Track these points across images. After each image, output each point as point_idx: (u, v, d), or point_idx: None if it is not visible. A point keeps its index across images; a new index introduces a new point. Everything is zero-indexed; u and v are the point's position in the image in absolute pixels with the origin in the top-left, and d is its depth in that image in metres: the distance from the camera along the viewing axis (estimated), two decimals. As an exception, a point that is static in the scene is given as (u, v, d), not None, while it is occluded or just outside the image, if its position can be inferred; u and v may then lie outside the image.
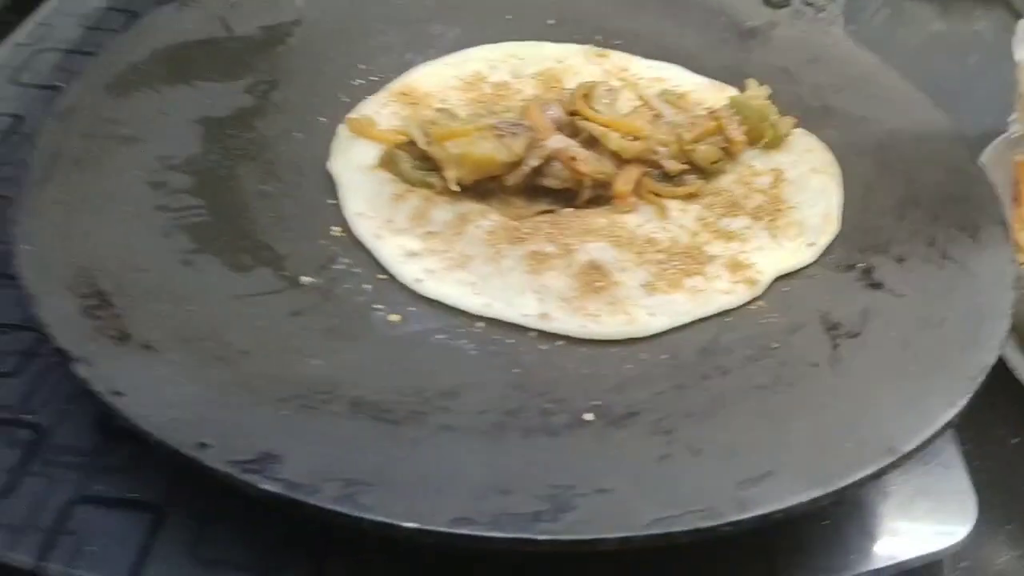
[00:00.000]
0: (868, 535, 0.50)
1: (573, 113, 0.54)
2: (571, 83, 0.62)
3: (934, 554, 0.50)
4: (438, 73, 0.62)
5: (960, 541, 0.51)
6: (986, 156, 0.72)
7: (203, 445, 0.38)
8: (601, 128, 0.53)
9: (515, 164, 0.51)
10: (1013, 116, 0.83)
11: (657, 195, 0.54)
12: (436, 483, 0.38)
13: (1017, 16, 1.12)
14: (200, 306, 0.45)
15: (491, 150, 0.51)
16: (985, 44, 1.07)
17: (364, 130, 0.55)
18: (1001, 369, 0.65)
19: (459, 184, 0.51)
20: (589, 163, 0.51)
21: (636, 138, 0.54)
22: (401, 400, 0.42)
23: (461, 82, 0.62)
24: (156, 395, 0.40)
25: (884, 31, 1.15)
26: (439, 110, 0.57)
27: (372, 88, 0.62)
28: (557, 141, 0.51)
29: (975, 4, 1.17)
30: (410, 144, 0.53)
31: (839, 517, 0.50)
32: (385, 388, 0.42)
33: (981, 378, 0.45)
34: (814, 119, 0.63)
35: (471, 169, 0.51)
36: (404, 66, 0.64)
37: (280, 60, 0.63)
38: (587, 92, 0.55)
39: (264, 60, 0.62)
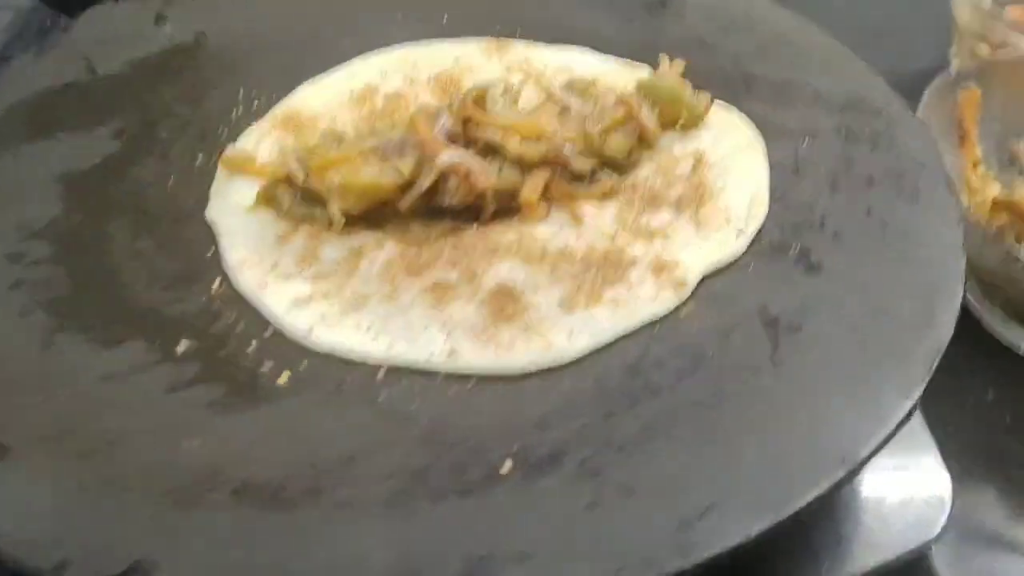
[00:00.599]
0: (841, 539, 0.47)
1: (467, 120, 0.49)
2: (470, 83, 0.57)
3: (912, 552, 0.46)
4: (325, 91, 0.57)
5: (938, 533, 0.47)
6: (928, 96, 0.68)
7: (63, 565, 0.33)
8: (498, 133, 0.48)
9: (406, 186, 0.46)
10: (952, 49, 0.80)
11: (570, 198, 0.50)
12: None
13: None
14: (63, 394, 0.40)
15: (375, 175, 0.46)
16: None
17: (240, 167, 0.50)
18: (973, 322, 0.62)
19: (346, 216, 0.46)
20: (487, 175, 0.47)
21: (539, 138, 0.49)
22: (292, 478, 0.37)
23: (350, 97, 0.57)
24: (10, 507, 0.35)
25: None
26: (326, 133, 0.52)
27: (253, 117, 0.56)
28: (449, 156, 0.46)
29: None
30: (290, 177, 0.48)
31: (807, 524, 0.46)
32: (274, 465, 0.38)
33: (937, 361, 0.41)
34: (736, 90, 0.58)
35: (356, 199, 0.46)
36: (288, 88, 0.58)
37: (151, 97, 0.57)
38: (479, 95, 0.50)
39: (133, 100, 0.57)
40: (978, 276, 0.63)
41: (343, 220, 0.46)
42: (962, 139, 0.69)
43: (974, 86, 0.68)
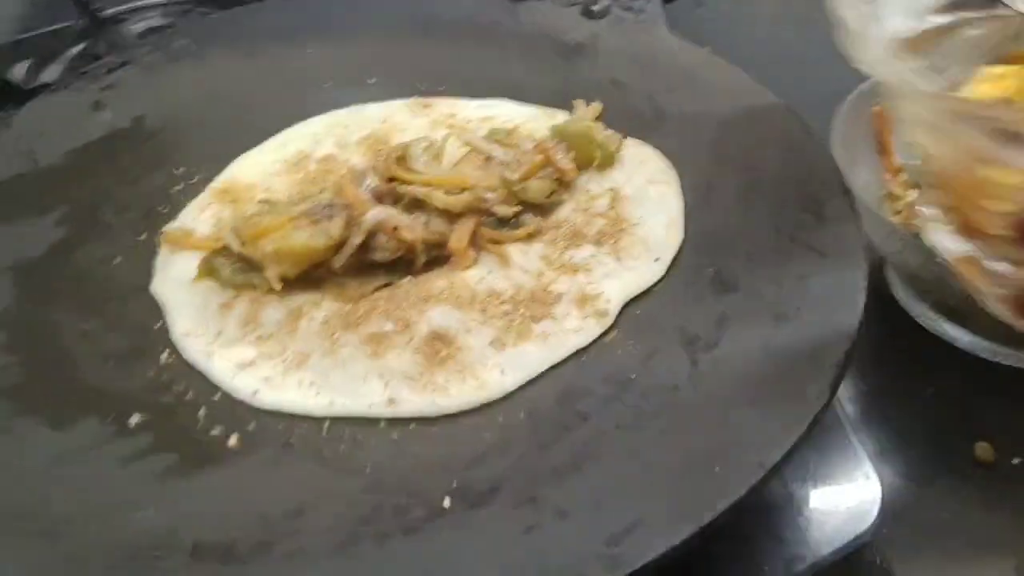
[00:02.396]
0: (777, 539, 0.49)
1: (391, 179, 0.52)
2: (398, 141, 0.60)
3: (846, 545, 0.49)
4: (259, 161, 0.60)
5: (870, 528, 0.50)
6: (845, 111, 0.71)
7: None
8: (422, 188, 0.51)
9: (337, 247, 0.49)
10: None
11: (496, 242, 0.52)
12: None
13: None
14: (17, 479, 0.42)
15: (307, 239, 0.48)
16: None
17: (179, 242, 0.52)
18: (911, 321, 0.65)
19: (283, 280, 0.49)
20: (414, 229, 0.49)
21: (462, 190, 0.52)
22: (243, 534, 0.39)
23: (284, 165, 0.60)
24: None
25: (733, 10, 1.16)
26: (261, 202, 0.55)
27: (193, 192, 0.59)
28: (375, 214, 0.49)
29: (817, -32, 1.18)
30: (227, 248, 0.50)
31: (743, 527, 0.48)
32: (226, 524, 0.40)
33: (843, 361, 0.44)
34: (649, 126, 0.62)
35: (291, 263, 0.49)
36: (226, 161, 0.61)
37: (93, 182, 0.60)
38: (401, 154, 0.53)
39: (76, 186, 0.59)
40: (908, 278, 0.66)
41: (280, 284, 0.49)
42: (881, 150, 0.73)
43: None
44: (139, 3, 0.93)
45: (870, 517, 0.50)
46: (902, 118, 0.35)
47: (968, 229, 0.40)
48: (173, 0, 0.92)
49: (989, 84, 0.41)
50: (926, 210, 0.43)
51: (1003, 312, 0.39)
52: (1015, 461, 0.57)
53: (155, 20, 0.89)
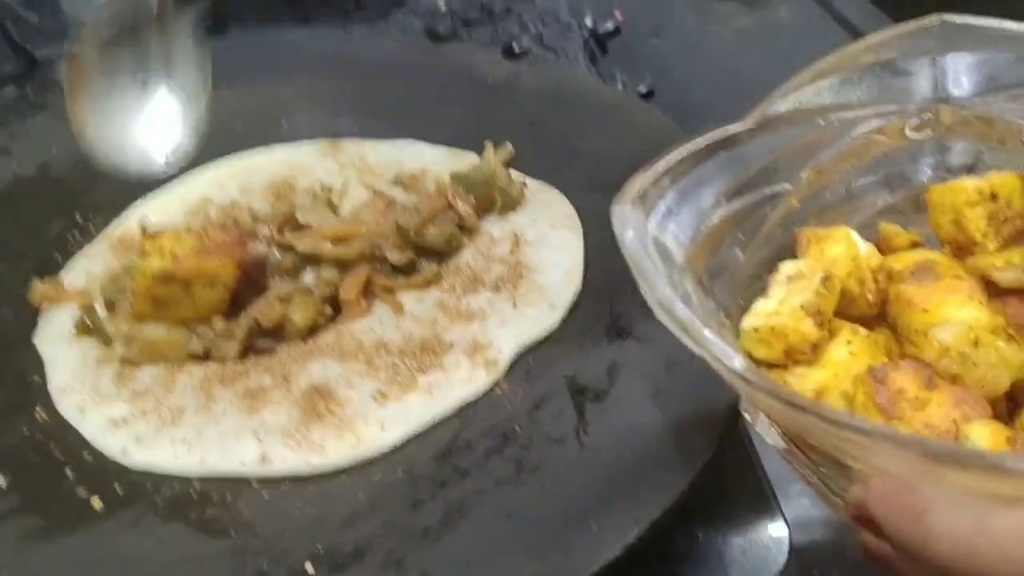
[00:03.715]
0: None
1: (280, 244, 0.51)
2: (303, 184, 0.59)
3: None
4: (159, 207, 0.59)
5: (784, 565, 0.48)
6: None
7: None
8: (310, 245, 0.50)
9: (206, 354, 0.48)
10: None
11: (390, 290, 0.51)
12: None
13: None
14: None
15: (167, 336, 0.47)
16: (791, 31, 1.09)
17: (49, 297, 0.51)
18: None
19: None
20: (301, 308, 0.48)
21: (352, 239, 0.51)
22: (94, 604, 0.37)
23: (185, 212, 0.58)
24: None
25: (694, 36, 1.16)
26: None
27: (89, 240, 0.58)
28: (256, 308, 0.48)
29: (775, -7, 1.20)
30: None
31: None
32: (79, 593, 0.38)
33: (732, 416, 0.43)
34: (561, 165, 0.61)
35: (144, 354, 0.47)
36: (126, 207, 0.60)
37: (-12, 232, 0.58)
38: (285, 218, 0.52)
39: (-31, 236, 0.58)
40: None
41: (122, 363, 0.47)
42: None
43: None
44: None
45: (780, 559, 0.48)
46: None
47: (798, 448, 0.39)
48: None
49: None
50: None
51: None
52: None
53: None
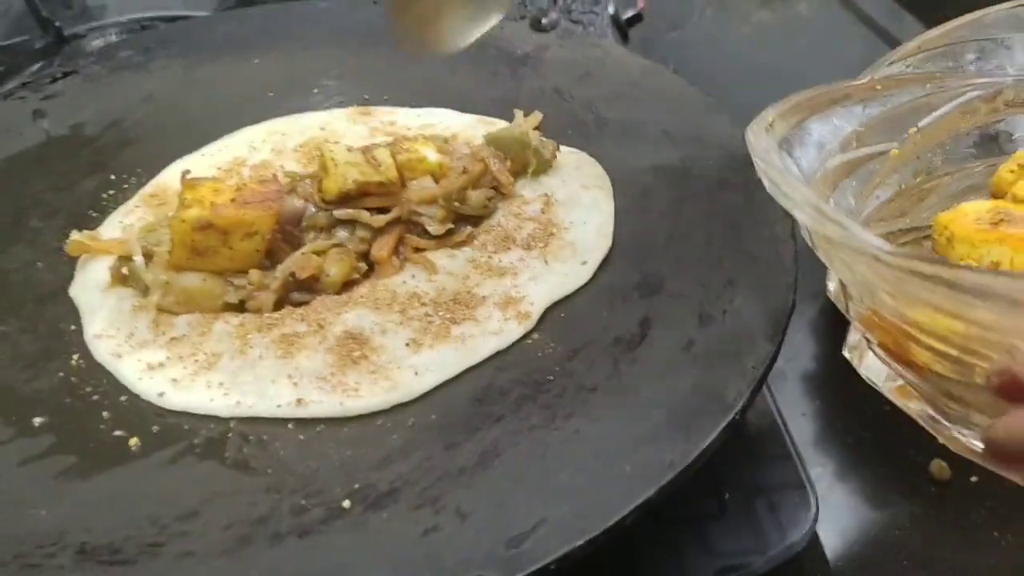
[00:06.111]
0: (707, 548, 0.48)
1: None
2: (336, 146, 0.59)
3: (778, 554, 0.47)
4: (193, 166, 0.59)
5: (806, 532, 0.48)
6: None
7: None
8: (351, 213, 0.51)
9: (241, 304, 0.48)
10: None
11: (422, 250, 0.51)
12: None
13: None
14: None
15: (203, 285, 0.48)
16: (810, 26, 1.09)
17: (85, 248, 0.52)
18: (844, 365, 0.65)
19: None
20: (338, 262, 0.49)
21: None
22: (133, 535, 0.38)
23: (218, 171, 0.59)
24: None
25: (714, 28, 1.16)
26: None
27: (124, 197, 0.58)
28: (293, 261, 0.48)
29: (793, -12, 1.20)
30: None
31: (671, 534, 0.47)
32: (117, 526, 0.38)
33: (762, 368, 0.43)
34: (589, 133, 0.61)
35: (182, 302, 0.48)
36: (160, 167, 0.60)
37: (23, 188, 0.59)
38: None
39: (5, 193, 0.59)
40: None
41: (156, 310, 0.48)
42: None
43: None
44: (102, 22, 0.94)
45: (805, 525, 0.48)
46: (830, 261, 0.38)
47: (900, 361, 0.41)
48: (133, 18, 0.92)
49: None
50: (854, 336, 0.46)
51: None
52: (973, 479, 0.56)
53: (114, 37, 0.90)
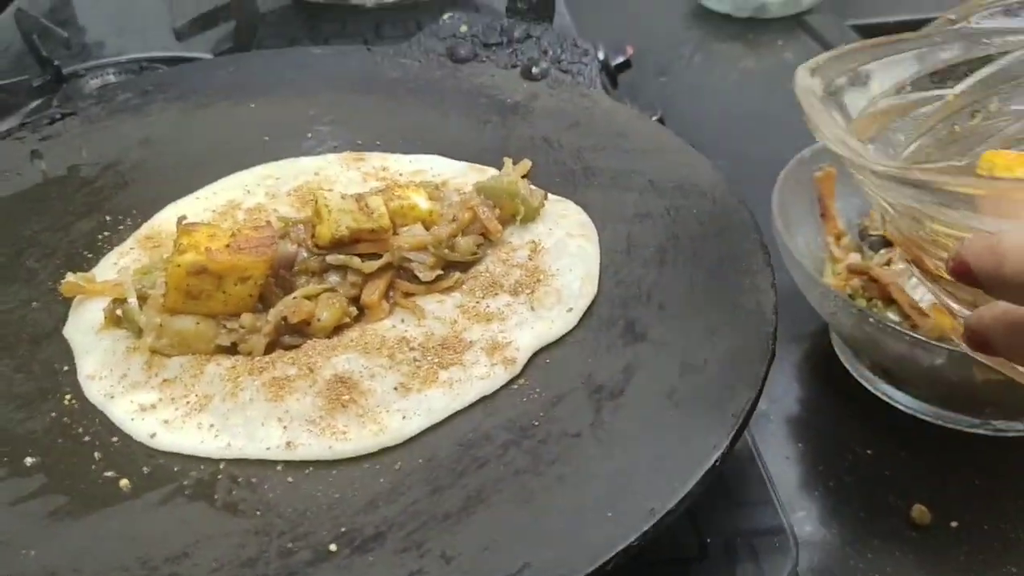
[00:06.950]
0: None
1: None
2: (329, 192, 0.60)
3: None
4: (187, 209, 0.60)
5: (789, 574, 0.49)
6: (784, 175, 0.72)
7: None
8: (342, 260, 0.52)
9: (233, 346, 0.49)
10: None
11: (411, 295, 0.53)
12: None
13: (819, 40, 1.18)
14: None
15: (196, 328, 0.49)
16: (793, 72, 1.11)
17: (79, 289, 0.53)
18: (852, 382, 0.66)
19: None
20: (329, 307, 0.50)
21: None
22: (121, 576, 0.38)
23: (213, 214, 0.60)
24: None
25: (700, 75, 1.19)
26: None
27: (119, 239, 0.59)
28: (284, 305, 0.50)
29: (777, 36, 1.23)
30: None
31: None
32: (105, 567, 0.39)
33: (742, 416, 0.44)
34: (576, 182, 0.63)
35: (175, 344, 0.49)
36: (156, 209, 0.62)
37: (21, 229, 0.60)
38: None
39: (3, 233, 0.60)
40: (845, 340, 0.67)
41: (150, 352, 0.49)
42: (823, 214, 0.74)
43: (829, 165, 0.72)
44: (100, 61, 0.95)
45: (785, 570, 0.49)
46: (863, 187, 0.44)
47: (928, 276, 0.45)
48: (132, 58, 0.94)
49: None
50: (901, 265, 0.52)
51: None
52: (953, 524, 0.57)
53: (112, 77, 0.91)
